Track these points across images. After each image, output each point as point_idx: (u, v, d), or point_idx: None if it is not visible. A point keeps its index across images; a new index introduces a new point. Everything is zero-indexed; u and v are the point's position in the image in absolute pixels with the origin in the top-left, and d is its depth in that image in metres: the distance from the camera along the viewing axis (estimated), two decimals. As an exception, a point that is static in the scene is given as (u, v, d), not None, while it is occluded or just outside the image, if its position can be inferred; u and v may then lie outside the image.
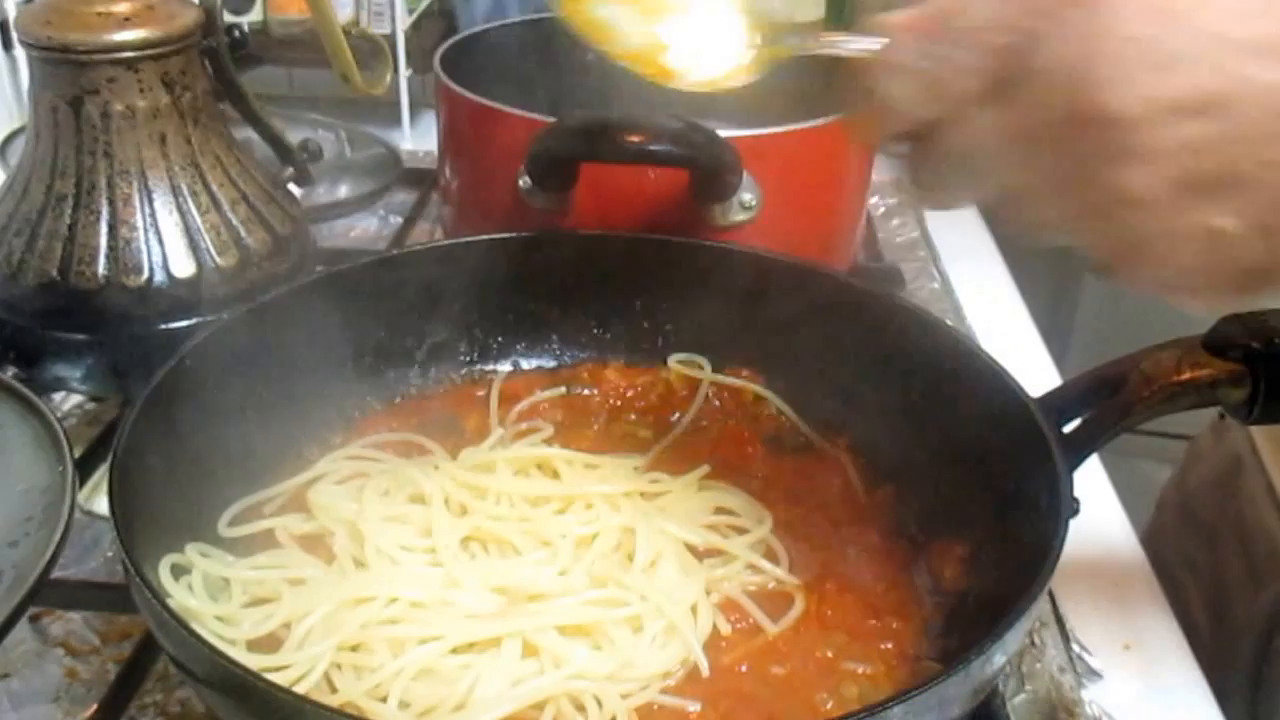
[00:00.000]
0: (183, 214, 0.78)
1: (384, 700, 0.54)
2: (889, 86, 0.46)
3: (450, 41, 0.92)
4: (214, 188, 0.80)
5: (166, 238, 0.78)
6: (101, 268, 0.76)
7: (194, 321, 0.78)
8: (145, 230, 0.77)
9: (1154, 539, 0.90)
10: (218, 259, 0.79)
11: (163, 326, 0.78)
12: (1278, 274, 0.43)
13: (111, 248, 0.77)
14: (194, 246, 0.78)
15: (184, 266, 0.78)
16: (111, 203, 0.77)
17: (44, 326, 0.78)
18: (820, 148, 0.83)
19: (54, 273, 0.76)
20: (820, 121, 0.80)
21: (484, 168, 0.84)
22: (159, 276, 0.77)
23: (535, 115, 0.79)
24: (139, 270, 0.77)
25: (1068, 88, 0.41)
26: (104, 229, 0.77)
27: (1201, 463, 0.91)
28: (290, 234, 0.84)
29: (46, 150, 0.77)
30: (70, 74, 0.74)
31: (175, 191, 0.78)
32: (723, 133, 0.77)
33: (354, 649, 0.56)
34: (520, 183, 0.77)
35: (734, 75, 0.50)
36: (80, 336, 0.78)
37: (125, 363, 0.78)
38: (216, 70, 0.82)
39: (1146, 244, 0.43)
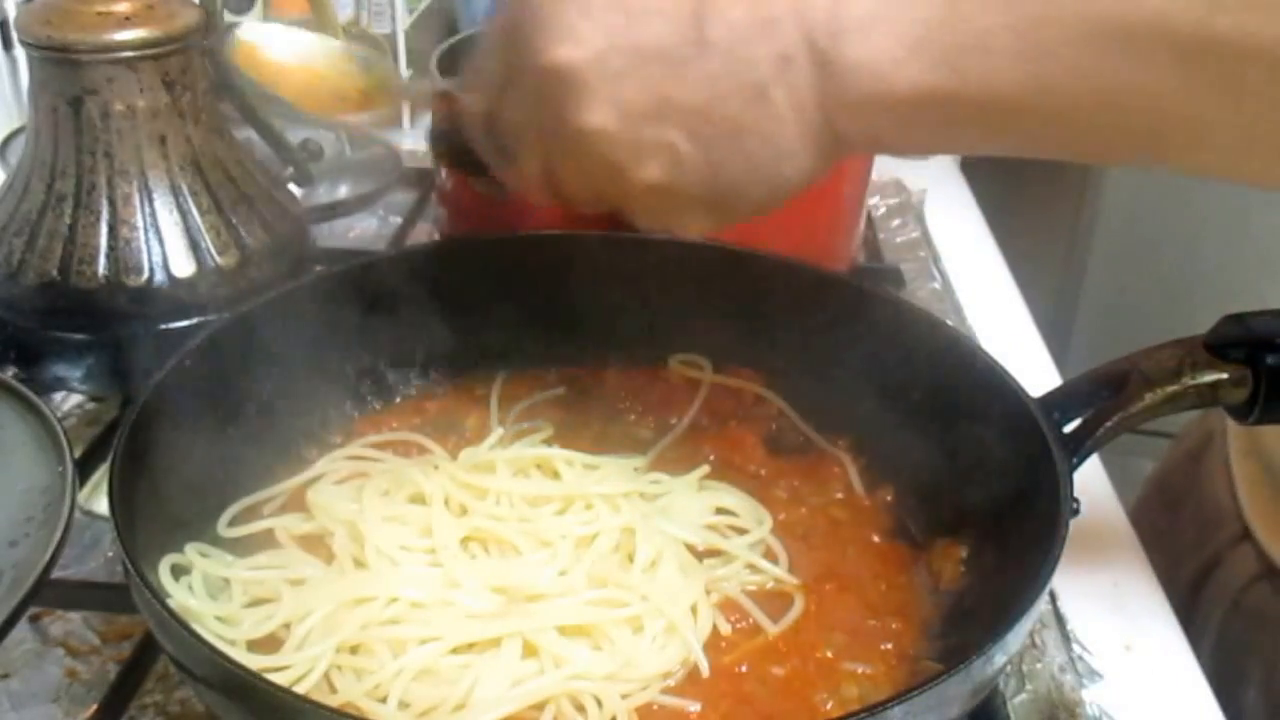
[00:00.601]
0: (183, 214, 0.78)
1: (384, 700, 0.54)
2: (466, 101, 0.60)
3: (446, 44, 0.92)
4: (214, 188, 0.80)
5: (166, 238, 0.78)
6: (101, 268, 0.76)
7: (194, 321, 0.78)
8: (145, 230, 0.77)
9: (1133, 515, 0.92)
10: (218, 259, 0.79)
11: (163, 326, 0.78)
12: (730, 185, 0.53)
13: (112, 248, 0.77)
14: (194, 246, 0.78)
15: (184, 266, 0.78)
16: (111, 203, 0.77)
17: (44, 326, 0.78)
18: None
19: (54, 272, 0.76)
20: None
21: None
22: (159, 276, 0.77)
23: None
24: (139, 270, 0.77)
25: (532, 54, 0.52)
26: (104, 229, 0.76)
27: (1184, 440, 0.93)
28: (290, 234, 0.84)
29: (46, 150, 0.77)
30: (70, 74, 0.74)
31: (175, 191, 0.78)
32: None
33: (354, 649, 0.56)
34: (441, 173, 0.76)
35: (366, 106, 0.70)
36: (80, 336, 0.78)
37: (125, 363, 0.78)
38: (216, 70, 0.82)
39: (624, 168, 0.52)
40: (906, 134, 0.51)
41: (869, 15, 0.48)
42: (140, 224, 0.77)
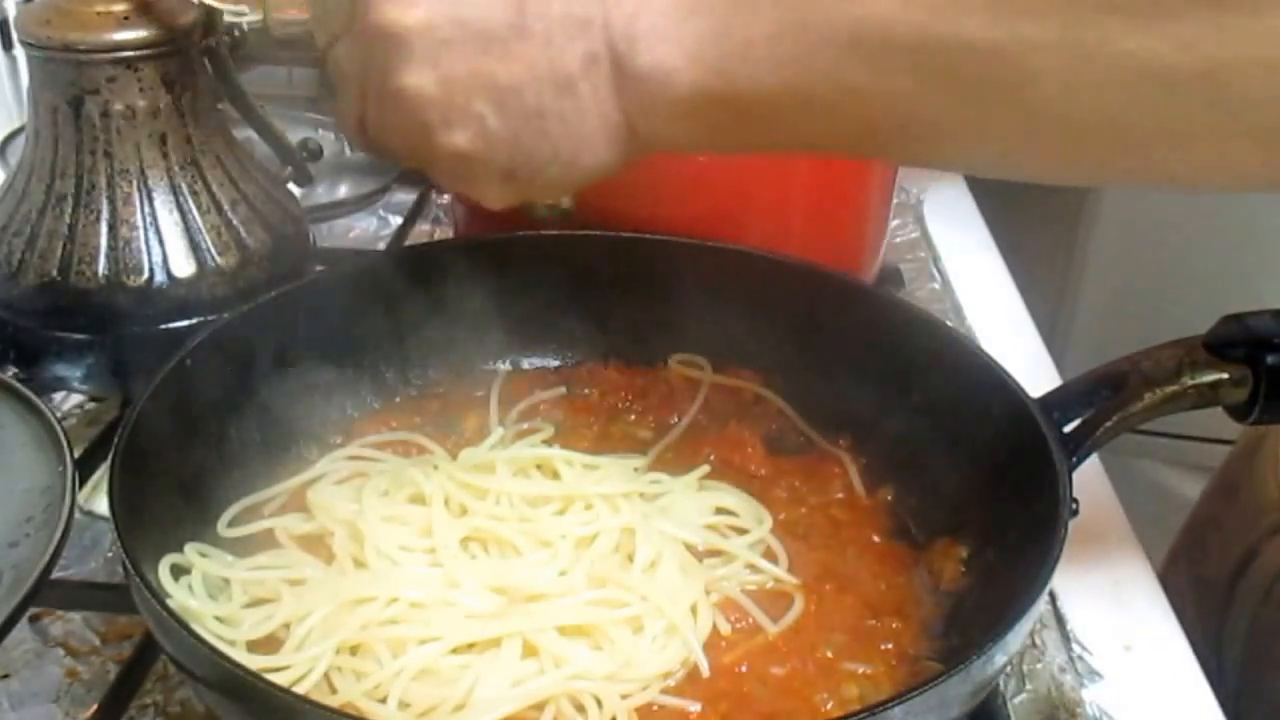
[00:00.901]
0: (183, 214, 0.78)
1: (384, 701, 0.54)
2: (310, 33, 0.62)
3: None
4: (214, 188, 0.80)
5: (167, 238, 0.78)
6: (102, 268, 0.76)
7: (194, 321, 0.78)
8: (145, 230, 0.77)
9: (1199, 504, 0.92)
10: (218, 259, 0.79)
11: (162, 327, 0.78)
12: (529, 163, 0.56)
13: (112, 247, 0.77)
14: (194, 246, 0.78)
15: (184, 266, 0.78)
16: (112, 202, 0.77)
17: (45, 326, 0.78)
18: (844, 164, 0.83)
19: (54, 272, 0.76)
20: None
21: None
22: (159, 276, 0.77)
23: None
24: (139, 270, 0.77)
25: (366, 9, 0.54)
26: (104, 229, 0.76)
27: (1246, 433, 0.93)
28: (290, 234, 0.84)
29: (46, 150, 0.77)
30: (70, 73, 0.74)
31: (175, 191, 0.78)
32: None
33: (354, 650, 0.56)
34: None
35: None
36: (80, 336, 0.78)
37: (125, 363, 0.78)
38: (216, 70, 0.81)
39: (434, 130, 0.55)
40: (690, 133, 0.55)
41: (658, 26, 0.52)
42: (140, 224, 0.77)
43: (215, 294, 0.79)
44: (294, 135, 1.08)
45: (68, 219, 0.76)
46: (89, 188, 0.76)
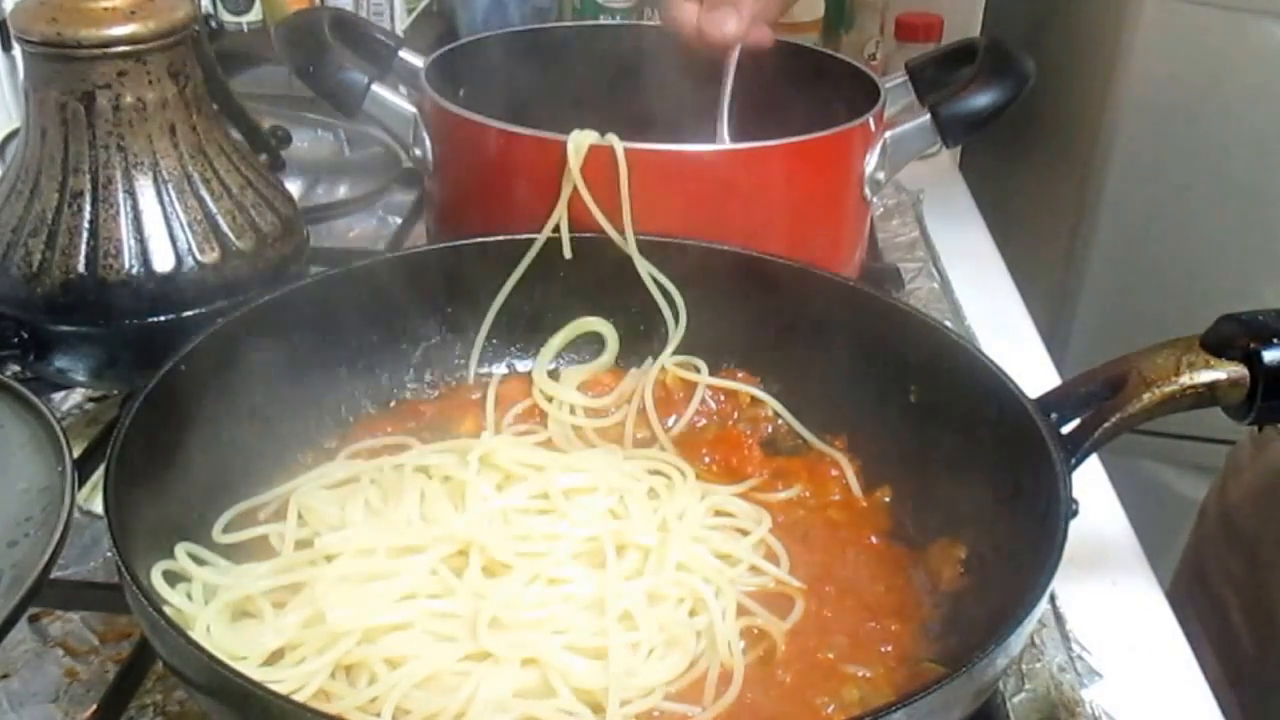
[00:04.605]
0: (199, 200, 0.78)
1: (379, 715, 0.53)
2: None
3: (435, 54, 0.92)
4: (222, 174, 0.80)
5: (187, 225, 0.77)
6: (127, 260, 0.76)
7: (218, 305, 0.77)
8: (166, 219, 0.77)
9: (1196, 552, 0.90)
10: (237, 242, 0.79)
11: (188, 313, 0.77)
12: None
13: (136, 239, 0.76)
14: (215, 231, 0.78)
15: (208, 252, 0.78)
16: (130, 195, 0.76)
17: (71, 324, 0.77)
18: (819, 160, 0.83)
19: (80, 268, 0.75)
20: (820, 135, 0.81)
21: (472, 179, 0.84)
22: (186, 263, 0.77)
23: (519, 129, 0.79)
24: (165, 259, 0.77)
25: None
26: (125, 222, 0.76)
27: (1242, 475, 0.91)
28: (291, 214, 0.85)
29: (56, 148, 0.76)
30: (81, 70, 0.74)
31: (189, 179, 0.78)
32: (729, 145, 0.80)
33: (349, 669, 0.55)
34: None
35: None
36: (106, 331, 0.77)
37: (153, 354, 0.78)
38: (197, 55, 0.81)
39: None
40: None
41: None
42: (160, 213, 0.77)
43: (238, 276, 0.79)
44: (295, 135, 1.09)
45: (88, 215, 0.76)
46: (105, 182, 0.76)
